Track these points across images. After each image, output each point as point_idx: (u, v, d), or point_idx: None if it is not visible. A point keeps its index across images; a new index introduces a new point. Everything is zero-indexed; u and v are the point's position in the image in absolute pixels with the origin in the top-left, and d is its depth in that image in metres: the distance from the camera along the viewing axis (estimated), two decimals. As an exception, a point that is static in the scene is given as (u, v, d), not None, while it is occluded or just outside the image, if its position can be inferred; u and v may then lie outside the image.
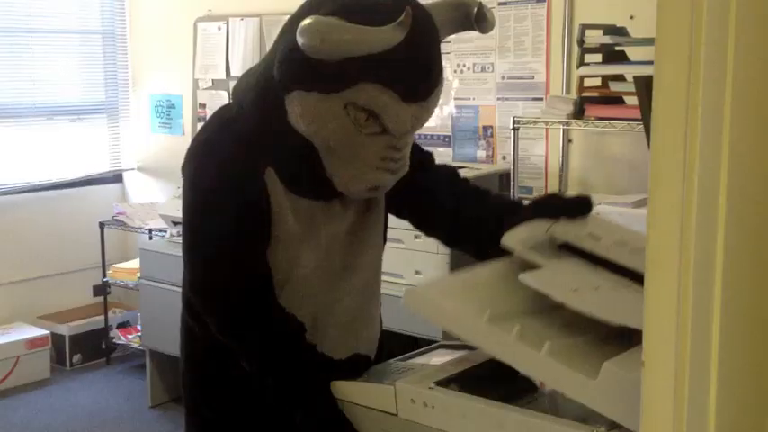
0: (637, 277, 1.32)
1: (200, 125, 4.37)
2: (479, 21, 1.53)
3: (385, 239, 1.75)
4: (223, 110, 1.62)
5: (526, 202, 1.63)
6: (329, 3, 1.43)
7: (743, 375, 0.86)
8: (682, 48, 0.82)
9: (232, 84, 4.25)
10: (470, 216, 1.64)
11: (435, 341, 2.56)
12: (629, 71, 2.75)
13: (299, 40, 1.37)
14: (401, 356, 1.59)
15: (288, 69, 1.45)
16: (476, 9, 1.53)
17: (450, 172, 1.76)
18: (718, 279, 0.83)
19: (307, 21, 1.37)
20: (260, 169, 1.50)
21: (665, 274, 0.84)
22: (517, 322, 1.23)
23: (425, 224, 1.74)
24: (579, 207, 1.56)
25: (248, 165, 1.50)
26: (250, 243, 1.52)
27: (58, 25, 4.61)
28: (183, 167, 1.58)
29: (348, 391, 1.46)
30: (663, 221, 0.84)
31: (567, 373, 1.17)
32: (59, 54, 4.64)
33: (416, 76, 1.45)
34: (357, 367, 1.57)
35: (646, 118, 0.91)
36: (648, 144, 0.90)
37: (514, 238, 1.44)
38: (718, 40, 0.81)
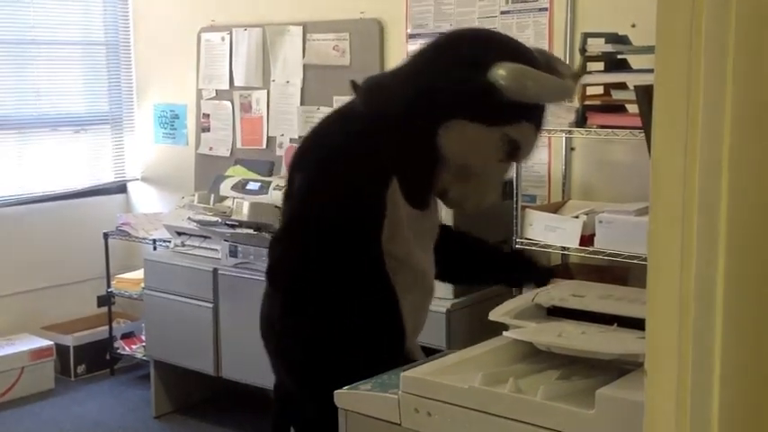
0: (623, 324, 1.37)
1: (203, 135, 4.41)
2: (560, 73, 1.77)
3: None
4: (351, 111, 1.80)
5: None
6: (499, 46, 1.70)
7: (746, 382, 0.86)
8: (681, 56, 0.82)
9: (236, 93, 4.27)
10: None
11: (439, 350, 2.55)
12: (630, 79, 2.75)
13: (502, 82, 1.58)
14: (406, 365, 1.59)
15: (459, 100, 1.64)
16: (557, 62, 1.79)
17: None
18: (719, 286, 0.83)
19: (510, 66, 1.60)
20: (385, 185, 1.69)
21: (667, 281, 0.84)
22: (510, 380, 1.26)
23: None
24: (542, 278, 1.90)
25: (377, 171, 1.69)
26: (353, 240, 1.72)
27: (62, 36, 4.63)
28: (305, 163, 1.77)
29: (352, 401, 1.46)
30: (664, 229, 0.84)
31: (565, 412, 1.18)
32: (63, 65, 4.66)
33: (545, 112, 1.75)
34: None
35: (646, 126, 0.92)
36: (649, 152, 0.91)
37: (501, 311, 1.51)
38: (717, 48, 0.81)
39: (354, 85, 1.80)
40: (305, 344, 1.78)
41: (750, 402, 0.87)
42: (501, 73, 1.59)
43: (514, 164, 1.83)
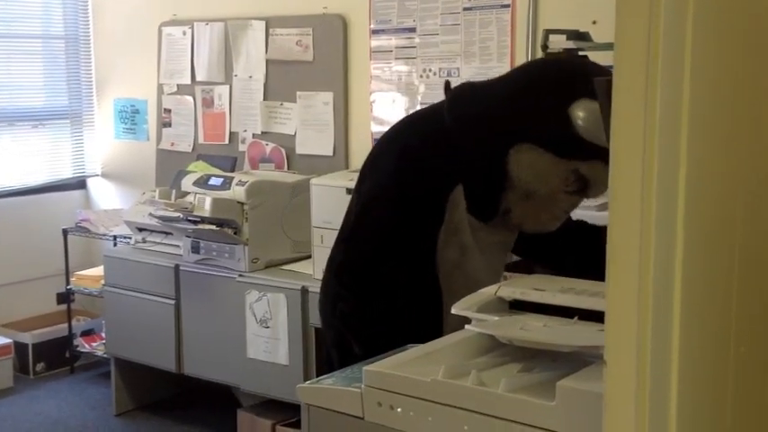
0: (584, 317, 1.39)
1: (164, 131, 4.37)
2: None
3: None
4: (433, 112, 1.86)
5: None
6: (583, 80, 1.60)
7: (704, 373, 0.88)
8: (639, 51, 0.83)
9: (198, 88, 4.24)
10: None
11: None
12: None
13: (580, 122, 1.62)
14: (368, 360, 1.59)
15: (536, 126, 1.69)
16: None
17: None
18: (677, 277, 0.84)
19: (592, 107, 1.59)
20: (453, 182, 1.76)
21: (625, 272, 0.85)
22: (473, 372, 1.26)
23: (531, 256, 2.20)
24: None
25: (444, 175, 1.76)
26: (410, 240, 1.78)
27: (21, 30, 4.55)
28: (379, 155, 1.86)
29: (314, 395, 1.45)
30: (622, 221, 0.85)
31: (527, 403, 1.19)
32: (22, 59, 4.58)
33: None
34: None
35: (606, 121, 0.93)
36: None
37: (464, 305, 1.51)
38: (674, 42, 0.82)
39: (447, 86, 1.88)
40: (361, 342, 1.85)
41: (708, 393, 0.89)
42: (580, 114, 1.63)
43: (583, 199, 1.85)
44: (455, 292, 1.81)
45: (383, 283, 1.82)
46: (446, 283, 1.84)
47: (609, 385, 0.87)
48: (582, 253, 2.02)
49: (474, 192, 1.78)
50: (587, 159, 1.69)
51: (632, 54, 0.84)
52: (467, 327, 1.42)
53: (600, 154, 1.65)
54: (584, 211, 2.64)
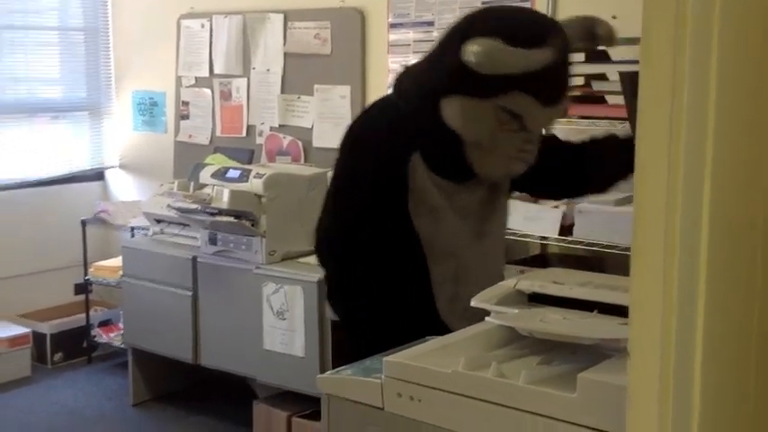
0: (604, 310, 1.39)
1: (182, 123, 4.39)
2: (600, 38, 1.88)
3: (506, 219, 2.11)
4: (385, 98, 1.98)
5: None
6: (482, 21, 1.75)
7: (727, 366, 0.88)
8: (667, 44, 0.83)
9: (216, 81, 4.25)
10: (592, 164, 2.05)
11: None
12: (611, 70, 2.78)
13: (469, 59, 1.65)
14: (388, 351, 1.60)
15: (452, 78, 1.73)
16: (598, 26, 1.87)
17: (560, 142, 2.18)
18: (702, 270, 0.84)
19: (475, 44, 1.66)
20: (407, 152, 1.81)
21: (650, 265, 0.85)
22: (493, 364, 1.27)
23: (559, 190, 2.24)
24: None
25: (396, 147, 1.82)
26: (376, 216, 1.84)
27: (40, 22, 4.58)
28: (343, 140, 1.92)
29: (334, 385, 1.47)
30: (648, 214, 0.86)
31: (548, 395, 1.19)
32: (41, 51, 4.62)
33: (555, 85, 1.77)
34: None
35: (631, 113, 0.93)
36: (635, 138, 0.92)
37: (483, 297, 1.52)
38: (702, 36, 0.82)
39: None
40: (348, 312, 1.94)
41: (731, 385, 0.89)
42: (470, 50, 1.67)
43: (538, 132, 1.85)
44: (436, 257, 1.87)
45: (361, 250, 1.87)
46: (427, 250, 1.87)
47: (632, 377, 0.88)
48: (600, 165, 2.04)
49: (431, 155, 1.82)
50: (504, 93, 1.71)
51: (659, 46, 0.84)
52: (487, 319, 1.43)
53: (514, 84, 1.70)
54: (602, 206, 2.65)
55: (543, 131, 1.93)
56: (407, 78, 1.89)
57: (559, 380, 1.23)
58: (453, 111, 1.76)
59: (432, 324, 1.85)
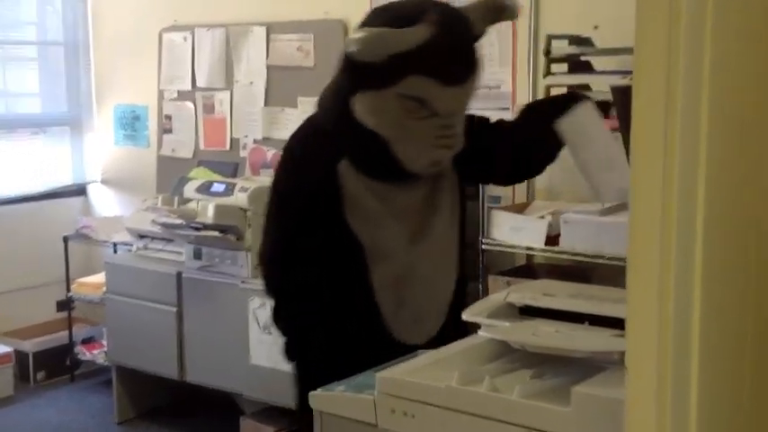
0: (594, 322, 1.39)
1: (165, 137, 4.37)
2: (503, 11, 1.84)
3: (463, 222, 2.02)
4: (309, 116, 1.97)
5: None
6: (368, 15, 1.80)
7: (724, 380, 0.88)
8: (660, 59, 0.84)
9: (198, 94, 4.24)
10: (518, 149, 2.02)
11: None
12: (594, 81, 2.79)
13: (350, 50, 1.68)
14: (379, 366, 1.59)
15: (348, 76, 1.76)
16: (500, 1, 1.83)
17: (497, 123, 2.10)
18: (697, 284, 0.84)
19: (358, 32, 1.72)
20: (334, 160, 1.80)
21: (646, 279, 0.85)
22: (486, 378, 1.26)
23: (503, 175, 2.15)
24: (566, 102, 1.92)
25: (321, 157, 1.83)
26: (316, 227, 1.83)
27: (20, 36, 4.55)
28: (277, 163, 1.98)
29: (327, 402, 1.45)
30: (643, 228, 0.86)
31: (542, 410, 1.19)
32: (21, 65, 4.58)
33: (452, 63, 1.74)
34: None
35: (623, 127, 0.93)
36: (627, 152, 0.92)
37: (474, 311, 1.52)
38: (695, 50, 0.83)
39: None
40: (286, 324, 1.94)
41: (727, 398, 0.89)
42: (349, 41, 1.70)
43: (449, 116, 1.78)
44: (377, 262, 1.85)
45: (301, 258, 1.85)
46: (368, 256, 1.85)
47: (630, 391, 0.88)
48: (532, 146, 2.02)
49: (359, 159, 1.81)
50: (399, 78, 1.71)
51: (652, 61, 0.84)
52: (479, 332, 1.42)
53: (405, 68, 1.69)
54: (588, 216, 2.65)
55: (465, 114, 1.87)
56: (325, 91, 1.90)
57: (553, 393, 1.22)
58: (361, 108, 1.76)
59: (377, 332, 1.84)
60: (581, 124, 1.90)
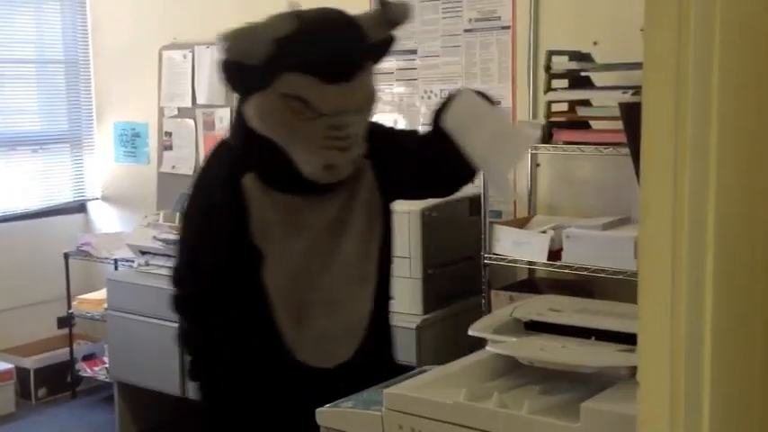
0: (601, 337, 1.40)
1: (165, 154, 4.38)
2: (393, 20, 1.78)
3: (388, 236, 1.93)
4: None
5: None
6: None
7: (736, 394, 0.88)
8: (669, 75, 0.84)
9: (198, 111, 4.25)
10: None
11: (410, 366, 2.56)
12: (595, 96, 2.81)
13: (221, 51, 1.66)
14: (385, 383, 1.59)
15: (234, 81, 1.72)
16: (389, 10, 1.77)
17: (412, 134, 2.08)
18: (708, 300, 0.85)
19: (225, 34, 1.67)
20: (239, 176, 1.74)
21: (658, 295, 0.86)
22: (495, 394, 1.27)
23: (421, 189, 2.06)
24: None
25: (224, 174, 1.78)
26: (218, 244, 1.78)
27: (20, 54, 4.56)
28: None
29: (334, 418, 1.46)
30: (654, 244, 0.86)
31: (551, 426, 1.19)
32: (21, 83, 4.59)
33: (330, 60, 1.69)
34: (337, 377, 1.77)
35: (630, 141, 0.94)
36: (636, 168, 0.93)
37: (480, 326, 1.52)
38: (703, 65, 0.83)
39: None
40: (190, 343, 1.89)
41: (740, 414, 0.89)
42: (219, 44, 1.67)
43: (340, 115, 1.71)
44: (282, 280, 1.79)
45: (205, 275, 1.81)
46: (272, 274, 1.78)
47: (643, 406, 0.88)
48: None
49: (263, 170, 1.76)
50: (275, 77, 1.67)
51: (661, 76, 0.85)
52: (486, 348, 1.43)
53: (280, 65, 1.65)
54: (591, 231, 2.66)
55: (365, 118, 1.79)
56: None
57: (562, 409, 1.23)
58: (250, 113, 1.72)
59: (278, 352, 1.79)
60: (461, 114, 1.78)
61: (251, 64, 1.65)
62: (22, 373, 4.22)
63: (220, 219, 1.78)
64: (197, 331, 1.85)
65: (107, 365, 4.03)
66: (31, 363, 4.24)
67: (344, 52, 1.72)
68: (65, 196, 4.70)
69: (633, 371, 1.24)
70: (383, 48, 1.81)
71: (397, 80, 3.63)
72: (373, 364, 1.84)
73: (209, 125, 4.23)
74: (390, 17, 1.77)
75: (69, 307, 4.28)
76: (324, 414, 1.46)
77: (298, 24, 1.66)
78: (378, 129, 1.93)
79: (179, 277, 1.88)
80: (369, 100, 1.78)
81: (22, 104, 4.60)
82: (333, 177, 1.75)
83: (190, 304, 1.85)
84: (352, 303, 1.86)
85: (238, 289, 1.81)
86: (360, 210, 1.85)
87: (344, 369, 1.81)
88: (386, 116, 3.62)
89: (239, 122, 1.78)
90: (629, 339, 1.29)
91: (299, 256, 1.79)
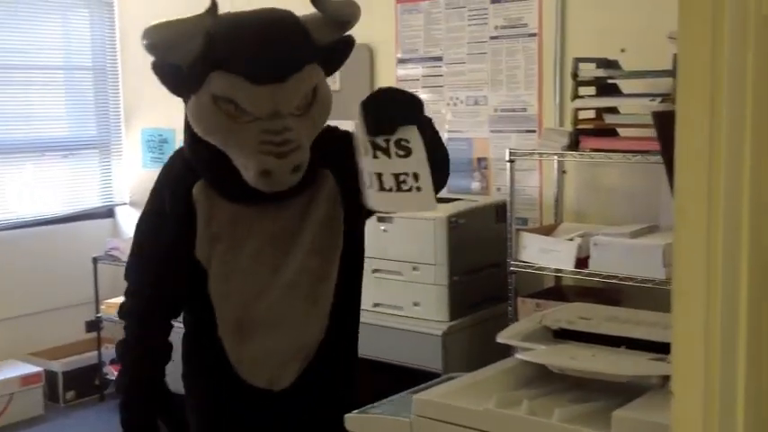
0: (631, 345, 1.39)
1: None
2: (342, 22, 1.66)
3: (354, 251, 1.77)
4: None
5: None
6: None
7: (771, 403, 0.88)
8: (703, 85, 0.85)
9: (225, 118, 4.27)
10: None
11: (436, 373, 2.56)
12: (623, 104, 2.80)
13: (146, 51, 1.59)
14: (413, 389, 1.60)
15: (166, 85, 1.65)
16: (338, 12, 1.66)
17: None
18: (743, 309, 0.85)
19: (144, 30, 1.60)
20: (189, 184, 1.67)
21: (693, 305, 0.86)
22: (525, 402, 1.27)
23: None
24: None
25: (174, 182, 1.71)
26: (166, 252, 1.71)
27: (49, 61, 4.62)
28: None
29: (362, 425, 1.46)
30: (689, 254, 0.86)
31: None
32: (51, 90, 4.65)
33: (258, 59, 1.59)
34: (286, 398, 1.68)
35: (665, 151, 0.94)
36: (670, 178, 0.93)
37: (509, 334, 1.52)
38: (738, 77, 0.84)
39: None
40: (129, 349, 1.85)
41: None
42: (143, 42, 1.60)
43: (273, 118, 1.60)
44: (219, 294, 1.70)
45: (152, 284, 1.76)
46: (218, 286, 1.70)
47: (676, 415, 0.88)
48: None
49: (208, 176, 1.67)
50: (203, 77, 1.58)
51: (695, 87, 0.85)
52: (517, 356, 1.43)
53: (205, 65, 1.57)
54: (619, 239, 2.65)
55: (310, 123, 1.66)
56: None
57: (593, 417, 1.23)
58: (189, 116, 1.65)
59: (223, 369, 1.71)
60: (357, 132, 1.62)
61: (177, 63, 1.59)
62: (50, 376, 4.27)
63: (168, 226, 1.71)
64: (135, 341, 1.81)
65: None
66: (59, 366, 4.28)
67: (275, 52, 1.60)
68: (93, 201, 4.75)
69: (664, 380, 1.24)
70: (336, 49, 1.70)
71: (422, 87, 3.64)
72: (324, 392, 1.69)
73: (236, 131, 4.25)
74: (334, 17, 1.65)
75: (98, 311, 4.33)
76: (352, 420, 1.47)
77: (211, 22, 1.58)
78: (337, 135, 1.78)
79: (128, 290, 1.84)
80: (312, 103, 1.64)
81: (50, 111, 4.66)
82: (271, 185, 1.60)
83: (135, 310, 1.82)
84: (300, 324, 1.72)
85: (185, 300, 1.76)
86: (315, 223, 1.71)
87: (288, 394, 1.69)
88: (412, 123, 3.64)
89: (186, 126, 1.69)
90: (660, 348, 1.28)
91: (241, 269, 1.69)
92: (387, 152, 1.53)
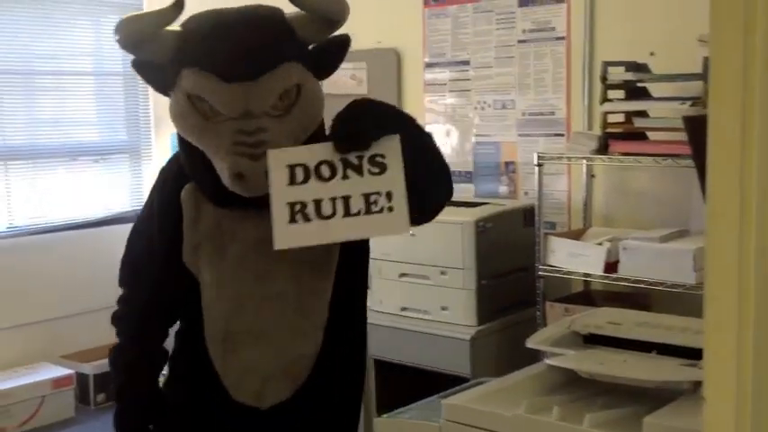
0: (662, 351, 1.38)
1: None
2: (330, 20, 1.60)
3: (353, 263, 1.69)
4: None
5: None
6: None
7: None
8: (736, 88, 0.84)
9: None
10: None
11: (464, 378, 2.56)
12: (652, 107, 2.78)
13: (117, 41, 1.54)
14: (441, 393, 1.60)
15: (147, 82, 1.62)
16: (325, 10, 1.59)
17: None
18: (776, 315, 0.84)
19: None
20: (179, 187, 1.64)
21: (725, 311, 0.85)
22: (555, 407, 1.27)
23: None
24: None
25: (167, 185, 1.69)
26: (156, 257, 1.71)
27: (80, 67, 4.69)
28: None
29: (391, 428, 1.47)
30: (720, 259, 0.86)
31: None
32: (82, 95, 4.71)
33: (229, 56, 1.52)
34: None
35: (695, 155, 0.93)
36: (701, 183, 0.92)
37: (538, 339, 1.52)
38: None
39: None
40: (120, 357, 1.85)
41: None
42: (115, 38, 1.56)
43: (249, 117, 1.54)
44: (206, 304, 1.64)
45: (144, 276, 1.77)
46: (205, 294, 1.65)
47: (708, 422, 0.88)
48: None
49: (194, 179, 1.63)
50: (176, 74, 1.54)
51: (728, 91, 0.85)
52: (546, 361, 1.43)
53: (178, 62, 1.53)
54: (648, 243, 2.63)
55: (290, 124, 1.60)
56: None
57: (624, 424, 1.22)
58: (170, 114, 1.59)
59: (209, 383, 1.64)
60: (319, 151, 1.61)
61: (150, 59, 1.56)
62: (81, 379, 4.31)
63: (158, 230, 1.71)
64: (129, 345, 1.80)
65: (164, 372, 4.09)
66: (90, 368, 4.33)
67: (248, 49, 1.53)
68: (124, 205, 4.80)
69: (696, 385, 1.23)
70: (328, 50, 1.65)
71: (450, 91, 3.64)
72: (318, 414, 1.65)
73: (264, 136, 4.28)
74: (317, 14, 1.58)
75: (127, 314, 4.36)
76: (381, 424, 1.48)
77: (207, 19, 1.55)
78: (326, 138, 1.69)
79: (122, 292, 1.86)
80: (294, 103, 1.59)
81: (82, 116, 4.72)
82: (247, 189, 1.53)
83: (123, 320, 1.83)
84: (288, 338, 1.64)
85: (182, 306, 1.71)
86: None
87: (278, 412, 1.62)
88: (439, 127, 3.64)
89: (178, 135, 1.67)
90: (691, 354, 1.28)
91: (225, 275, 1.63)
92: (359, 170, 1.47)
